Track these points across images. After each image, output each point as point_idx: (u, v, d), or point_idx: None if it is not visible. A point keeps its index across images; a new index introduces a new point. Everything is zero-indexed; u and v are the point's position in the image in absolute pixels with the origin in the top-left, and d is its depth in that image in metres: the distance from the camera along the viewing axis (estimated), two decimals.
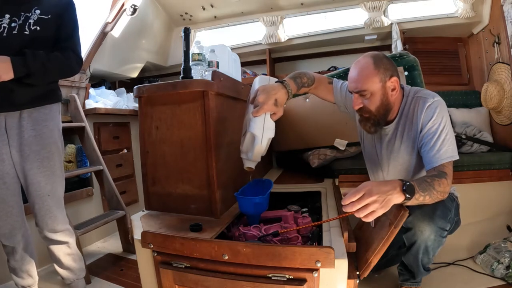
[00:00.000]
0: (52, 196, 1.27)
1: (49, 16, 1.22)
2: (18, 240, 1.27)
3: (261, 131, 0.98)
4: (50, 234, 1.28)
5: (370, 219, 0.79)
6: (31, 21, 1.19)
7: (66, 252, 1.35)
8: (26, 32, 1.18)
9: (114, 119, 2.42)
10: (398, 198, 0.81)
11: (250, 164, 1.08)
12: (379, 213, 0.78)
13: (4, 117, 1.19)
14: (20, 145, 1.21)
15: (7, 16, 1.16)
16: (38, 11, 1.21)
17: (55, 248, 1.33)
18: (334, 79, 1.32)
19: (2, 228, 1.23)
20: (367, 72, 1.06)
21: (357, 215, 0.79)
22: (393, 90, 1.09)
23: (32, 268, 1.34)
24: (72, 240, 1.36)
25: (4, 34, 1.15)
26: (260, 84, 1.06)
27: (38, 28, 1.20)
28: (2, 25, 1.15)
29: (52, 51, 1.22)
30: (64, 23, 1.27)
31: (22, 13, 1.18)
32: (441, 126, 1.03)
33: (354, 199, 0.78)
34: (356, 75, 1.08)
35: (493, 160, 1.92)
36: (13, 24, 1.16)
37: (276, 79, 1.12)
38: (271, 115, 1.01)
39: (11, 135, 1.20)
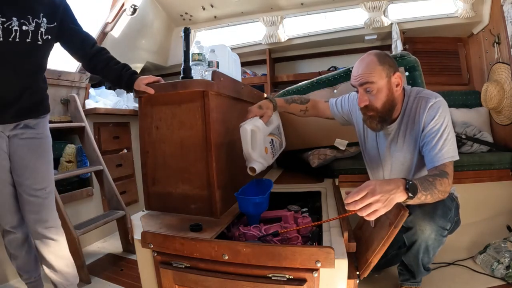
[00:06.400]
0: (45, 198, 1.25)
1: (55, 24, 1.21)
2: (24, 230, 1.27)
3: (249, 124, 1.11)
4: (40, 229, 1.25)
5: (372, 218, 0.79)
6: (43, 30, 1.16)
7: (55, 252, 1.28)
8: (40, 43, 1.16)
9: (114, 119, 2.42)
10: (401, 197, 0.81)
11: (252, 164, 1.10)
12: (382, 212, 0.78)
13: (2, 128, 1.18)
14: (15, 153, 1.21)
15: (15, 19, 1.09)
16: (45, 20, 1.17)
17: (43, 246, 1.27)
18: (330, 98, 1.46)
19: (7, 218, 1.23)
20: (373, 67, 1.08)
21: (359, 214, 0.78)
22: (397, 85, 1.11)
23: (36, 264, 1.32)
24: (62, 239, 1.31)
25: (17, 39, 1.10)
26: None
27: (49, 37, 1.20)
28: (13, 28, 1.08)
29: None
30: (74, 27, 1.27)
31: (30, 17, 1.12)
32: (443, 125, 1.03)
33: (357, 198, 0.77)
34: (362, 69, 1.09)
35: (493, 160, 1.92)
36: (24, 28, 1.11)
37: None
38: (261, 118, 1.18)
39: (7, 144, 1.19)
